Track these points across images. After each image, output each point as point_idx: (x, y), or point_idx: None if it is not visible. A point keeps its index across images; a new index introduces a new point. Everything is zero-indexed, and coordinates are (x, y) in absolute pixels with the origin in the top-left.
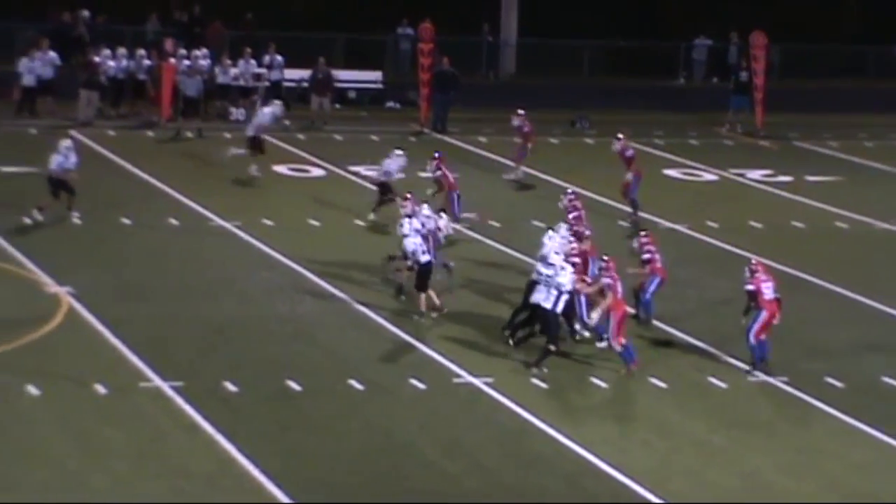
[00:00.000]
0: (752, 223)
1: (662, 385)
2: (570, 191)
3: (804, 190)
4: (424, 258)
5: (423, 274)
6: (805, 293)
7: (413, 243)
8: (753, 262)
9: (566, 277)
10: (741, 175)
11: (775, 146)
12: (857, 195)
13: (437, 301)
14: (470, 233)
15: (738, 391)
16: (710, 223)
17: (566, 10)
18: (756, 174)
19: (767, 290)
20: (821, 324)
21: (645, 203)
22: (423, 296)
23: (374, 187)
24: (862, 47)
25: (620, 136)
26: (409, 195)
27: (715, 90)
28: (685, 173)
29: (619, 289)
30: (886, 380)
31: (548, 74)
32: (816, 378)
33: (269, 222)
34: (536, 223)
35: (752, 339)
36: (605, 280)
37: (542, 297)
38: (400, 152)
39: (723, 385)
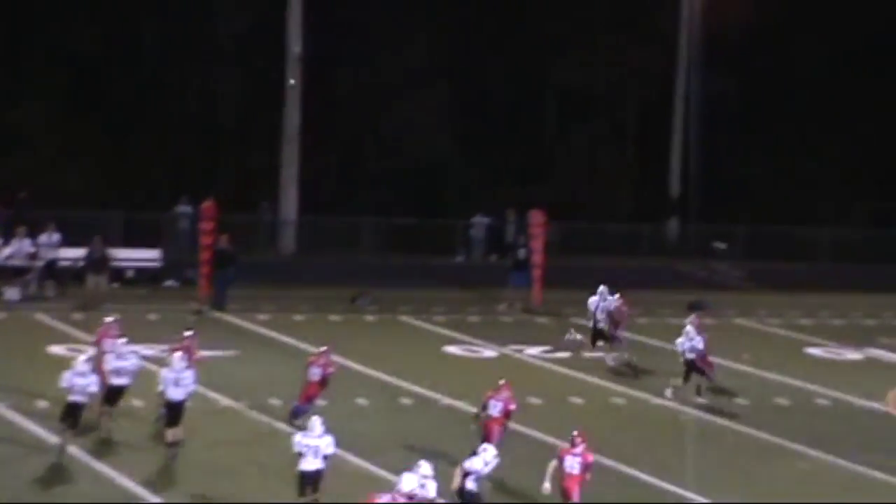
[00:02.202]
0: (531, 399)
1: None
2: None
3: (581, 366)
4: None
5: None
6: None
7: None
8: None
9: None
10: (520, 351)
11: (553, 322)
12: (631, 370)
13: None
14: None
15: None
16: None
17: (345, 188)
18: (534, 350)
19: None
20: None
21: (424, 380)
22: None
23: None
24: (637, 225)
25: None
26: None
27: (494, 267)
28: (466, 350)
29: None
30: None
31: (328, 251)
32: None
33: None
34: (319, 401)
35: None
36: None
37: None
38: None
39: None
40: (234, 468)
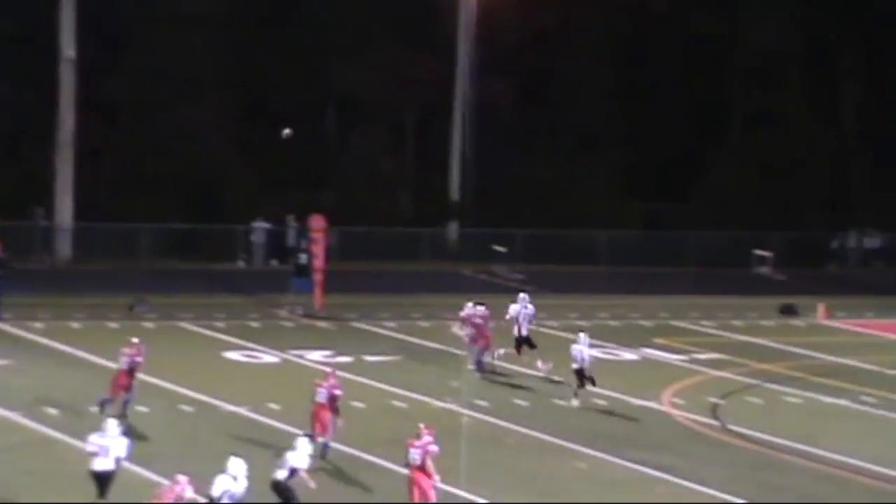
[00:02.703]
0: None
1: None
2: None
3: (363, 370)
4: None
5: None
6: (367, 474)
7: None
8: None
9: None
10: (301, 356)
11: (335, 327)
12: (414, 374)
13: None
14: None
15: None
16: (271, 405)
17: (122, 194)
18: (316, 355)
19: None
20: None
21: (205, 387)
22: None
23: None
24: (417, 230)
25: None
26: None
27: (275, 273)
28: (246, 355)
29: None
30: None
31: (105, 258)
32: None
33: None
34: (93, 408)
35: None
36: None
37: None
38: None
39: None
40: (8, 477)
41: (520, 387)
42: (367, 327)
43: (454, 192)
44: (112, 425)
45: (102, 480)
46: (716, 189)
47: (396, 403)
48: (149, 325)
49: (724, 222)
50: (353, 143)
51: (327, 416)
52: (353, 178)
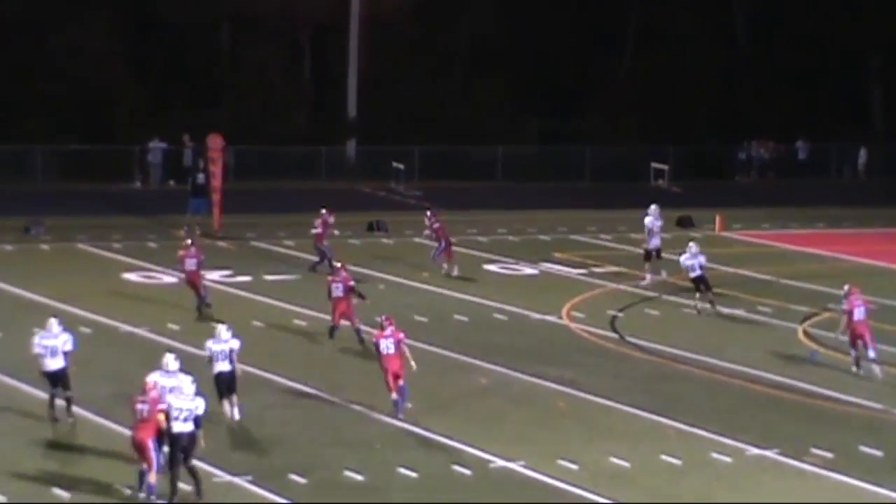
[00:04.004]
0: (213, 323)
1: None
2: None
3: (263, 289)
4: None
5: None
6: (266, 391)
7: None
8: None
9: None
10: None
11: (233, 247)
12: (314, 292)
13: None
14: None
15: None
16: (171, 325)
17: (13, 115)
18: (216, 275)
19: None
20: (282, 421)
21: (105, 308)
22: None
23: None
24: (315, 148)
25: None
26: None
27: (172, 193)
28: (145, 276)
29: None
30: (348, 473)
31: None
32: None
33: None
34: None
35: None
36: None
37: None
38: None
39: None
40: None
41: (417, 304)
42: (267, 246)
43: (351, 109)
44: (53, 324)
45: (57, 379)
46: (611, 104)
47: (297, 322)
48: (45, 247)
49: (619, 138)
50: (247, 60)
51: (347, 306)
52: (248, 97)
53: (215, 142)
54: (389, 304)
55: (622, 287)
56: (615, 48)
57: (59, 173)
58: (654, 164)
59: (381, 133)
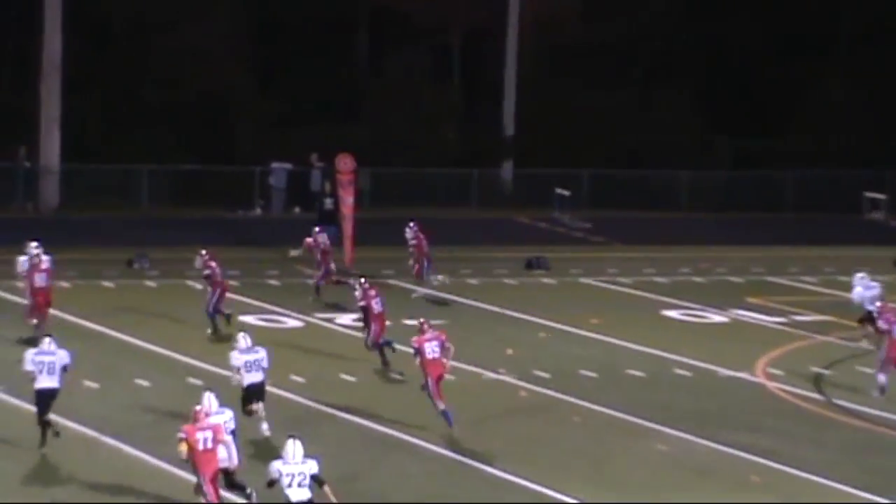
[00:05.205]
0: (346, 377)
1: None
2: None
3: (402, 334)
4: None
5: None
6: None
7: None
8: None
9: None
10: (330, 320)
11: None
12: (462, 341)
13: None
14: None
15: None
16: (294, 377)
17: (116, 130)
18: (346, 318)
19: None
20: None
21: (214, 356)
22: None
23: None
24: (465, 171)
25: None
26: None
27: (296, 221)
28: (264, 319)
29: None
30: None
31: (98, 205)
32: None
33: None
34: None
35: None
36: None
37: None
38: None
39: None
40: None
41: (584, 356)
42: (406, 285)
43: (508, 125)
44: (46, 343)
45: (50, 400)
46: (818, 120)
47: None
48: (150, 283)
49: (827, 160)
50: (388, 68)
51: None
52: (388, 111)
53: (346, 163)
54: (551, 356)
55: (829, 339)
56: (824, 52)
57: (167, 198)
58: (869, 194)
59: (543, 154)
